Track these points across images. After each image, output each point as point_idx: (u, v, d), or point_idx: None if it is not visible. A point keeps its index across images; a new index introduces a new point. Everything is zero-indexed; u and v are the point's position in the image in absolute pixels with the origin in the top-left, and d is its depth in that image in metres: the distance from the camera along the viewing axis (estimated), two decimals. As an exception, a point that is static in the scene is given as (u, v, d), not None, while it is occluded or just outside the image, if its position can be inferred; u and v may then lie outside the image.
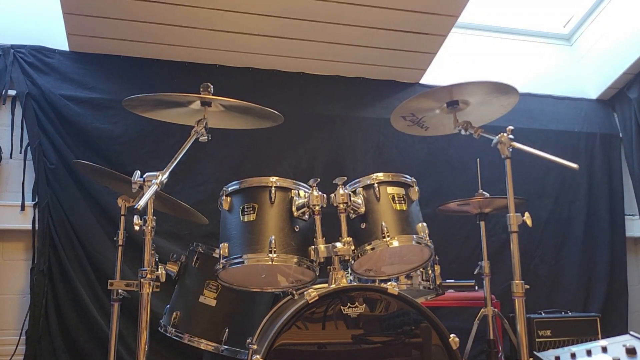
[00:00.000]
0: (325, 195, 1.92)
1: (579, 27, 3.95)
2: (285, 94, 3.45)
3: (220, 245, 1.90)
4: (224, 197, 1.96)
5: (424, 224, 1.97)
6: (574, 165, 1.90)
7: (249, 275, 1.99)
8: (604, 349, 1.55)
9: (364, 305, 1.74)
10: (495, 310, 2.65)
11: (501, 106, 2.14)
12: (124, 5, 2.96)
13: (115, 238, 2.28)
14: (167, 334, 2.15)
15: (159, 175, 1.68)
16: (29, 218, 2.96)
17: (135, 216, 1.68)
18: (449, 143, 3.64)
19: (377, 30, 3.29)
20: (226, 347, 2.10)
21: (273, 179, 1.93)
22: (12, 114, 3.10)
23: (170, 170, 1.74)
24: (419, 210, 2.03)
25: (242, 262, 1.84)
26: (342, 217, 1.91)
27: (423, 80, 3.75)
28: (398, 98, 3.58)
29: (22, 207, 2.99)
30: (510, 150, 1.90)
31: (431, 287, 2.28)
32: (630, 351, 1.49)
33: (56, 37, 3.19)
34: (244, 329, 2.10)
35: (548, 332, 3.06)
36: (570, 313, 3.16)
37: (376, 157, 3.53)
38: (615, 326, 3.50)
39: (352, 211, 1.94)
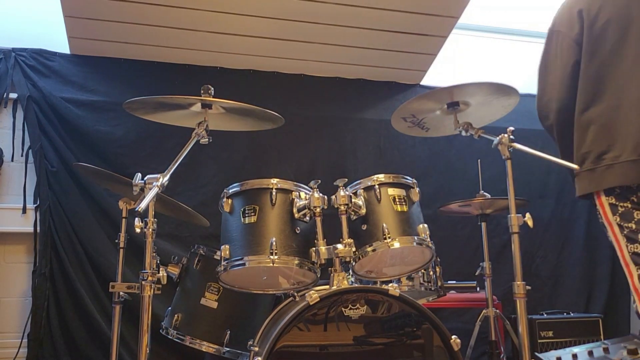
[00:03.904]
0: (326, 196, 1.92)
1: (579, 27, 3.94)
2: (286, 95, 3.46)
3: (222, 247, 1.90)
4: (224, 199, 1.96)
5: (425, 225, 1.96)
6: (575, 166, 1.89)
7: (250, 277, 1.99)
8: (606, 350, 1.54)
9: (365, 306, 1.74)
10: (497, 311, 2.65)
11: (502, 107, 2.14)
12: (125, 8, 2.96)
13: (116, 240, 2.28)
14: (169, 336, 2.15)
15: (159, 178, 1.68)
16: (31, 221, 2.97)
17: (137, 218, 1.68)
18: (449, 144, 3.64)
19: (377, 32, 3.30)
20: (227, 349, 2.10)
21: (274, 180, 1.93)
22: (14, 117, 3.10)
23: (171, 172, 1.74)
24: (420, 211, 2.03)
25: (243, 264, 1.84)
26: (343, 218, 1.91)
27: (424, 82, 3.75)
28: (399, 99, 3.59)
29: (24, 210, 2.99)
30: (511, 151, 1.90)
31: (432, 289, 2.28)
32: (632, 352, 1.49)
33: (57, 40, 3.19)
34: (245, 331, 2.10)
35: (550, 333, 3.06)
36: (572, 314, 3.16)
37: (377, 158, 3.53)
38: (617, 327, 3.50)
39: (353, 213, 1.94)
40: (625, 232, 1.81)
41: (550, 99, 1.97)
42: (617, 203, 1.83)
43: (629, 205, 1.80)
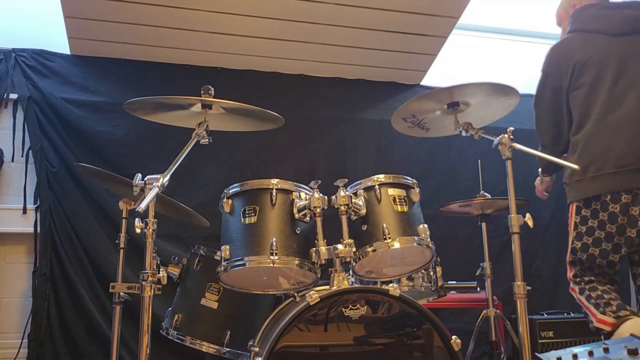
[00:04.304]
0: (326, 197, 1.92)
1: (579, 27, 3.94)
2: (286, 96, 3.46)
3: (222, 247, 1.90)
4: (225, 200, 1.96)
5: (425, 226, 1.96)
6: (575, 166, 1.90)
7: (250, 278, 1.99)
8: (606, 350, 1.55)
9: (366, 307, 1.74)
10: (497, 311, 2.65)
11: (502, 107, 2.14)
12: (125, 9, 2.96)
13: (116, 241, 2.28)
14: (169, 337, 2.15)
15: (160, 178, 1.68)
16: (31, 221, 2.97)
17: (137, 219, 1.68)
18: (450, 144, 3.64)
19: (377, 32, 3.30)
20: (228, 349, 2.10)
21: (274, 181, 1.93)
22: (14, 118, 3.10)
23: (171, 172, 1.74)
24: (420, 211, 2.03)
25: (244, 265, 1.84)
26: (343, 218, 1.91)
27: (424, 82, 3.75)
28: (399, 99, 3.59)
29: (24, 211, 2.99)
30: (511, 151, 1.90)
31: (433, 289, 2.27)
32: (632, 352, 1.49)
33: (57, 41, 3.20)
34: (245, 332, 2.10)
35: (550, 334, 3.05)
36: (572, 314, 3.16)
37: (377, 158, 3.53)
38: (617, 327, 3.49)
39: (353, 213, 1.94)
40: (577, 230, 2.30)
41: (546, 124, 2.46)
42: (582, 206, 2.27)
43: (588, 214, 2.25)
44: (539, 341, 3.03)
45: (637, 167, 2.13)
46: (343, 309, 1.72)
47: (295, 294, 1.87)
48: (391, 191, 1.97)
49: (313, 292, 1.73)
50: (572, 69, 2.28)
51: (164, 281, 1.75)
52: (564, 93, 2.33)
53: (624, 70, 2.22)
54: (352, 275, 1.99)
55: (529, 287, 1.86)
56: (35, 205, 2.99)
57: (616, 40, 2.25)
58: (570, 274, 2.41)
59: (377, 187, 1.96)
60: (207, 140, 1.92)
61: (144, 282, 1.69)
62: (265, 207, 1.89)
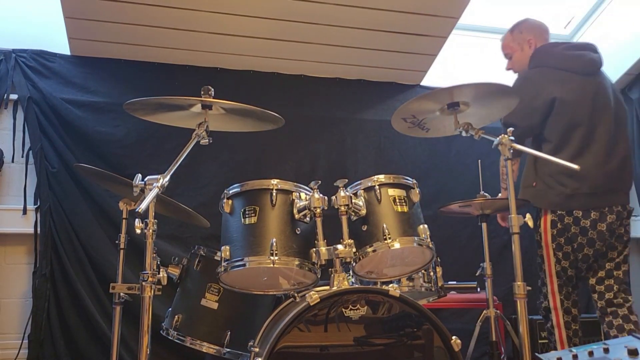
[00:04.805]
0: (326, 197, 1.92)
1: (579, 28, 3.94)
2: (286, 96, 3.46)
3: (222, 248, 1.90)
4: (225, 200, 1.96)
5: (425, 226, 1.96)
6: (575, 167, 1.89)
7: (250, 278, 1.99)
8: (606, 350, 1.55)
9: (366, 307, 1.74)
10: (498, 311, 2.64)
11: (502, 107, 2.14)
12: (125, 9, 2.96)
13: (116, 241, 2.28)
14: (169, 337, 2.15)
15: (160, 179, 1.68)
16: (31, 222, 2.97)
17: (137, 219, 1.68)
18: (450, 145, 3.64)
19: (377, 32, 3.30)
20: (228, 350, 2.10)
21: (274, 181, 1.93)
22: (14, 118, 3.11)
23: (171, 173, 1.74)
24: (420, 212, 2.03)
25: (244, 265, 1.84)
26: (344, 219, 1.91)
27: (424, 82, 3.75)
28: (399, 100, 3.59)
29: (24, 211, 3.00)
30: (511, 151, 1.90)
31: (433, 289, 2.27)
32: (632, 352, 1.49)
33: (57, 41, 3.20)
34: (245, 332, 2.10)
35: (550, 334, 3.04)
36: (572, 314, 3.15)
37: (377, 159, 3.53)
38: (618, 327, 3.49)
39: (353, 213, 1.94)
40: (556, 242, 2.46)
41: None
42: (557, 220, 2.43)
43: (562, 227, 2.42)
44: (539, 341, 3.03)
45: (606, 189, 2.41)
46: (343, 310, 1.72)
47: (296, 295, 1.87)
48: (391, 191, 1.96)
49: (313, 292, 1.73)
50: (551, 101, 2.46)
51: (164, 282, 1.75)
52: (539, 118, 2.49)
53: (596, 105, 2.46)
54: (352, 276, 1.99)
55: (529, 288, 1.86)
56: (36, 206, 2.99)
57: (587, 80, 2.50)
58: (556, 303, 2.50)
59: (377, 187, 1.96)
60: (207, 140, 1.92)
61: (144, 283, 1.69)
62: (265, 208, 1.89)
